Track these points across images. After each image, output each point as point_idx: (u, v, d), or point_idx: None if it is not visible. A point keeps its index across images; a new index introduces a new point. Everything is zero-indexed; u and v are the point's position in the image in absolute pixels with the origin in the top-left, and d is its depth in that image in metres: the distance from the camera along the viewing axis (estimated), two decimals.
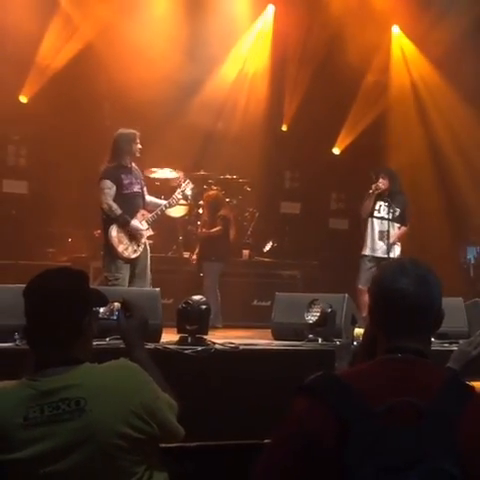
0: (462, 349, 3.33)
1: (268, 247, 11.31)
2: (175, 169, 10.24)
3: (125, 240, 7.06)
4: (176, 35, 10.70)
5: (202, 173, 10.52)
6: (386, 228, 8.39)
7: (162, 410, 2.51)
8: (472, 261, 12.16)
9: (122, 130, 7.27)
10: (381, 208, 8.51)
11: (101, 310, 2.81)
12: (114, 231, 7.03)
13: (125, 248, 7.06)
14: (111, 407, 2.40)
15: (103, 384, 2.45)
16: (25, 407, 2.39)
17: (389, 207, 8.42)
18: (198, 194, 10.17)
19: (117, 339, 3.77)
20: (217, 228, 9.32)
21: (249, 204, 10.99)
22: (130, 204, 7.15)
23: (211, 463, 4.22)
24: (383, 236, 8.38)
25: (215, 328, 7.33)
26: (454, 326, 5.61)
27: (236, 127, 10.71)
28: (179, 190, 7.75)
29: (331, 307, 5.45)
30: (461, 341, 3.58)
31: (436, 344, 5.12)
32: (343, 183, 12.28)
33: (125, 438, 2.40)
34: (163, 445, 2.60)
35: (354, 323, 5.25)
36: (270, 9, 11.97)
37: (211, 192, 9.95)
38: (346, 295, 5.83)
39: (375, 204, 8.52)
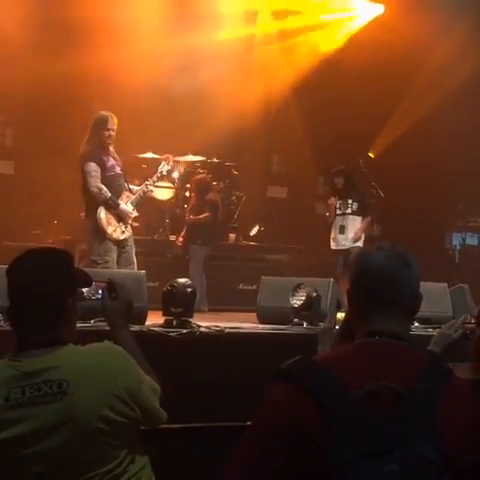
0: (443, 332, 3.35)
1: (254, 231, 11.30)
2: (157, 152, 10.09)
3: (113, 221, 7.00)
4: (166, 16, 10.61)
5: (189, 157, 10.48)
6: (344, 223, 9.39)
7: (145, 394, 2.50)
8: (457, 247, 12.24)
9: (101, 112, 7.08)
10: (341, 206, 9.46)
11: (85, 290, 2.79)
12: (103, 213, 6.96)
13: (114, 230, 7.00)
14: (94, 390, 2.38)
15: (86, 367, 2.42)
16: (6, 388, 2.36)
17: (345, 203, 9.41)
18: (185, 177, 10.15)
19: (102, 321, 3.76)
20: (205, 214, 9.30)
21: (236, 188, 10.96)
22: (115, 186, 7.07)
23: (192, 445, 4.23)
24: (343, 230, 9.38)
25: (200, 311, 7.33)
26: (439, 311, 5.63)
27: (223, 111, 10.65)
28: (157, 172, 7.70)
29: (316, 291, 5.45)
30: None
31: (420, 329, 5.15)
32: (330, 168, 12.24)
33: (107, 421, 2.38)
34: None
35: (339, 308, 5.25)
36: None
37: (198, 176, 9.92)
38: (331, 280, 5.83)
39: (336, 203, 9.48)
